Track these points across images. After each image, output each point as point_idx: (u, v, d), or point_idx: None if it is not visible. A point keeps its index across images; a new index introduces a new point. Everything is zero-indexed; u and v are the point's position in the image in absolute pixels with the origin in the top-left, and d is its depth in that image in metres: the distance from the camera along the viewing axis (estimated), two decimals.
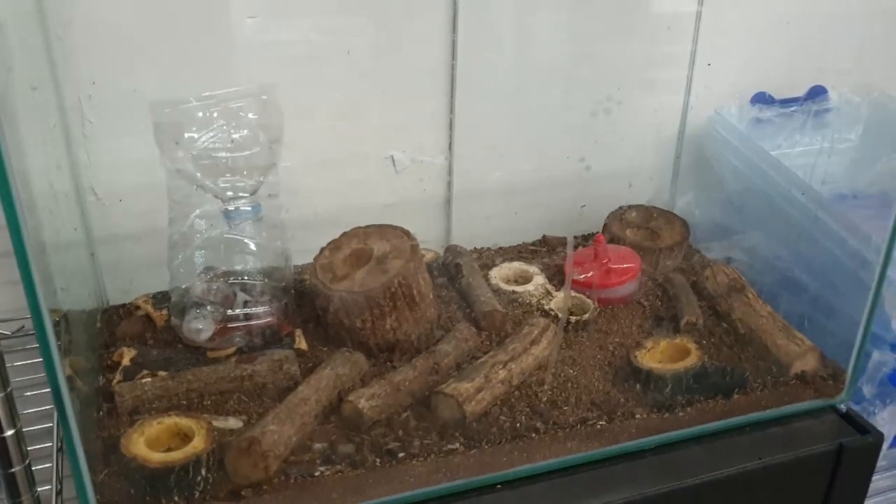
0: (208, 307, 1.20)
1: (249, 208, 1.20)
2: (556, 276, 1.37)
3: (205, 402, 1.12)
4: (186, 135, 1.17)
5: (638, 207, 1.50)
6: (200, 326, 1.19)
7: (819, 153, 1.58)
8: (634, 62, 1.52)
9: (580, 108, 1.54)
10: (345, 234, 1.26)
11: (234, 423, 1.09)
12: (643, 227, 1.45)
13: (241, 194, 1.19)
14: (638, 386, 1.15)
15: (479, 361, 1.14)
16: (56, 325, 1.30)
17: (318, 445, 1.05)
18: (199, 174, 1.18)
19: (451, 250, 1.42)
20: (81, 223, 1.34)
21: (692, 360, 1.15)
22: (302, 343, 1.22)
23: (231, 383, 1.13)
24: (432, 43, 1.42)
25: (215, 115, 1.18)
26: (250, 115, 1.17)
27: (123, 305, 1.35)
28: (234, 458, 1.00)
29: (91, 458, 1.03)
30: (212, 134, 1.18)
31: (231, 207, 1.19)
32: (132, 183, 1.33)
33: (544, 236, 1.52)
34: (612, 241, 1.41)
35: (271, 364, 1.14)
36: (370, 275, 1.17)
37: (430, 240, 1.56)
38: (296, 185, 1.42)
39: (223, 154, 1.18)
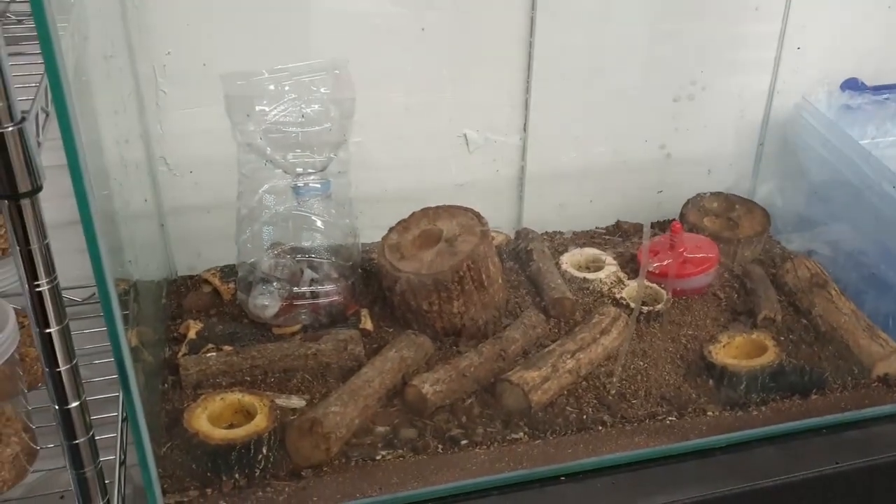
0: (274, 284, 1.19)
1: (318, 185, 1.19)
2: (629, 265, 1.33)
3: (269, 380, 1.12)
4: (258, 108, 1.16)
5: (717, 195, 1.44)
6: (266, 303, 1.18)
7: None
8: (719, 44, 1.46)
9: (661, 91, 1.48)
10: (414, 213, 1.24)
11: (297, 401, 1.08)
12: (722, 216, 1.40)
13: (310, 170, 1.18)
14: (711, 382, 1.11)
15: (546, 350, 1.11)
16: (125, 294, 1.32)
17: (380, 429, 1.04)
18: (268, 148, 1.17)
19: (523, 234, 1.38)
20: (152, 194, 1.34)
21: (769, 358, 1.11)
22: (368, 323, 1.21)
23: (295, 361, 1.12)
24: (510, 20, 1.38)
25: (287, 88, 1.17)
26: (322, 90, 1.16)
27: (191, 277, 1.36)
28: (296, 438, 0.99)
29: (154, 431, 1.03)
30: (283, 107, 1.17)
31: (300, 184, 1.18)
32: (203, 154, 1.33)
33: (618, 222, 1.48)
34: (689, 229, 1.37)
35: (336, 343, 1.12)
36: (438, 256, 1.15)
37: (501, 222, 1.53)
38: (366, 160, 1.41)
39: (293, 129, 1.16)
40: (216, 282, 1.30)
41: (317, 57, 1.27)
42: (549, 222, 1.53)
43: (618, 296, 1.23)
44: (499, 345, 1.12)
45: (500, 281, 1.19)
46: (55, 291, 0.76)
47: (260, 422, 1.02)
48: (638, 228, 1.46)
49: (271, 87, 1.17)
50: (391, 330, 1.20)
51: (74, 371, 0.80)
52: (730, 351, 1.14)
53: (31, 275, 0.72)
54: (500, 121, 1.46)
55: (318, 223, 1.21)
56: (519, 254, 1.35)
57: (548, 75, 1.42)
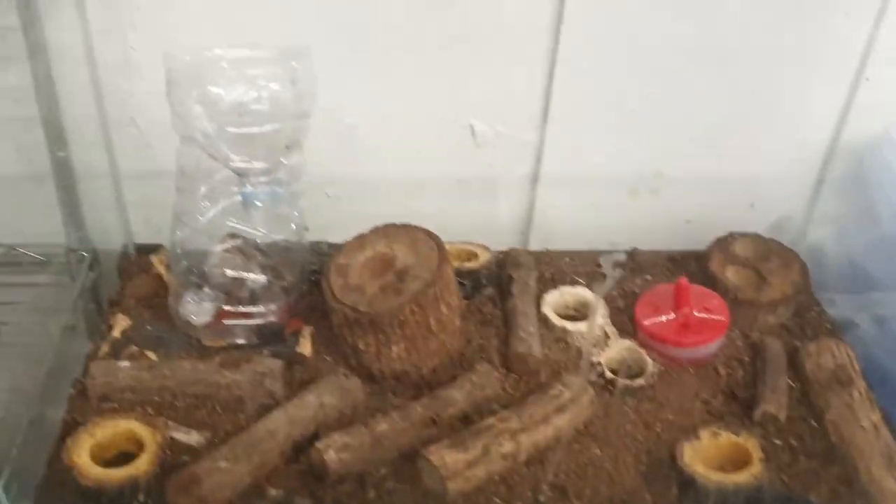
0: (208, 291, 1.06)
1: (267, 194, 1.03)
2: (626, 313, 1.14)
3: (177, 404, 1.01)
4: (208, 90, 1.00)
5: (752, 237, 1.22)
6: (195, 313, 1.06)
7: None
8: (789, 51, 1.20)
9: (709, 98, 1.25)
10: (374, 229, 1.08)
11: (196, 437, 0.97)
12: (751, 266, 1.18)
13: (259, 177, 1.02)
14: (674, 491, 0.93)
15: (483, 424, 0.95)
16: (79, 262, 1.23)
17: (273, 492, 0.91)
18: (217, 142, 1.01)
19: (511, 256, 1.21)
20: (109, 157, 1.22)
21: (750, 474, 0.91)
22: (306, 346, 1.08)
23: (208, 388, 1.00)
24: (536, 3, 1.16)
25: (241, 74, 1.00)
26: (272, 86, 0.99)
27: (149, 251, 1.25)
28: (173, 493, 0.88)
29: (41, 452, 0.95)
30: (235, 96, 1.00)
31: (248, 189, 1.03)
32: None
33: (634, 251, 1.27)
34: (706, 278, 1.16)
35: (253, 376, 1.00)
36: (383, 293, 0.99)
37: (503, 228, 1.36)
38: (361, 141, 1.26)
39: (245, 127, 1.00)
40: (161, 269, 1.18)
41: (305, 28, 1.12)
42: (557, 234, 1.35)
43: (595, 359, 1.05)
44: (434, 406, 0.97)
45: (455, 324, 1.03)
46: None
47: (142, 463, 0.91)
48: (655, 262, 1.26)
49: (225, 69, 1.01)
50: (329, 359, 1.07)
51: None
52: (708, 452, 0.95)
53: None
54: (514, 114, 1.28)
55: (262, 233, 1.06)
56: (501, 280, 1.18)
57: (575, 68, 1.21)
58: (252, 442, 0.92)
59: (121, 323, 1.10)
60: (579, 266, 1.25)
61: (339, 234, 1.27)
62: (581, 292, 1.14)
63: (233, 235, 1.08)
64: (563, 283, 1.20)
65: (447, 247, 1.16)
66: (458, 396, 0.99)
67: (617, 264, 1.15)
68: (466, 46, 1.20)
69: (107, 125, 1.19)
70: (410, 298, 0.97)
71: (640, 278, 1.22)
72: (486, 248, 1.22)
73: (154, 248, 1.28)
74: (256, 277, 1.08)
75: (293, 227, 1.08)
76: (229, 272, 1.07)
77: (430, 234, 1.05)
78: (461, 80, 1.23)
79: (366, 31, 1.17)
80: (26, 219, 1.30)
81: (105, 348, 1.08)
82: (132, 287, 1.18)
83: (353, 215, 1.30)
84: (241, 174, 1.02)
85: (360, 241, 1.07)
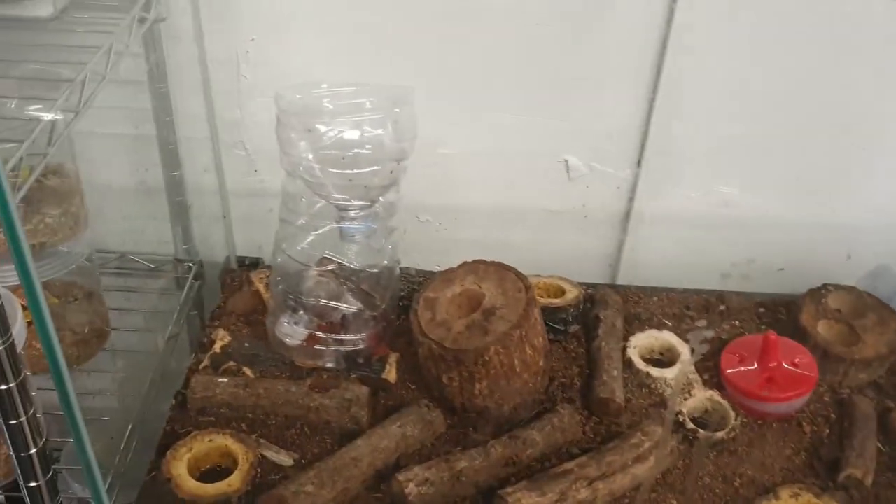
0: (302, 313, 1.11)
1: (363, 229, 1.07)
2: (712, 360, 1.14)
3: (269, 422, 1.06)
4: (315, 127, 1.05)
5: (848, 290, 1.20)
6: (289, 334, 1.11)
7: None
8: (893, 98, 1.17)
9: (811, 143, 1.23)
10: (464, 265, 1.11)
11: (285, 458, 1.01)
12: (844, 321, 1.16)
13: (357, 212, 1.06)
14: None
15: (562, 468, 0.97)
16: (186, 272, 1.29)
17: None
18: (319, 176, 1.06)
19: (599, 295, 1.22)
20: (218, 177, 1.28)
21: None
22: (392, 373, 1.11)
23: (297, 410, 1.05)
24: (637, 37, 1.17)
25: (347, 110, 1.05)
26: (376, 130, 1.02)
27: (249, 267, 1.32)
28: None
29: (143, 461, 1.01)
30: (338, 133, 1.05)
31: (345, 224, 1.07)
32: None
33: (723, 296, 1.26)
34: (796, 330, 1.14)
35: (340, 402, 1.04)
36: (469, 330, 1.02)
37: (593, 264, 1.37)
38: (455, 170, 1.29)
39: (348, 165, 1.04)
40: (260, 287, 1.23)
41: (410, 63, 1.17)
42: (647, 271, 1.35)
43: (678, 408, 1.05)
44: (513, 447, 0.99)
45: (539, 364, 1.05)
46: (9, 350, 0.71)
47: (234, 481, 0.97)
48: (745, 307, 1.25)
49: (331, 109, 1.05)
50: (413, 387, 1.10)
51: (32, 421, 0.76)
52: None
53: None
54: (609, 150, 1.28)
55: (356, 263, 1.10)
56: (587, 319, 1.19)
57: (676, 105, 1.21)
58: (337, 468, 0.96)
59: (221, 338, 1.16)
60: (667, 306, 1.25)
61: (428, 259, 1.33)
62: (667, 337, 1.14)
63: (328, 260, 1.12)
64: (651, 323, 1.20)
65: (536, 280, 1.20)
66: (537, 438, 1.00)
67: (704, 341, 1.14)
68: (565, 83, 1.21)
69: (217, 147, 1.24)
70: (496, 339, 0.99)
71: (728, 323, 1.22)
72: (574, 285, 1.23)
73: (255, 263, 1.35)
74: (349, 304, 1.11)
75: (386, 258, 1.12)
76: (323, 298, 1.11)
77: (518, 275, 1.06)
78: (557, 115, 1.25)
79: (467, 66, 1.19)
80: (139, 228, 1.37)
81: (206, 362, 1.14)
82: (233, 302, 1.24)
83: (443, 241, 1.35)
84: (340, 209, 1.06)
85: (449, 276, 1.09)
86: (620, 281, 1.38)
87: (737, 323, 1.22)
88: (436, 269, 1.31)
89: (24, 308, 1.09)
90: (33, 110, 0.84)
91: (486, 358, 0.99)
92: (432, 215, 1.36)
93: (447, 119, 1.24)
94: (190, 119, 1.25)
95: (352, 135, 1.04)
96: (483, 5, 1.15)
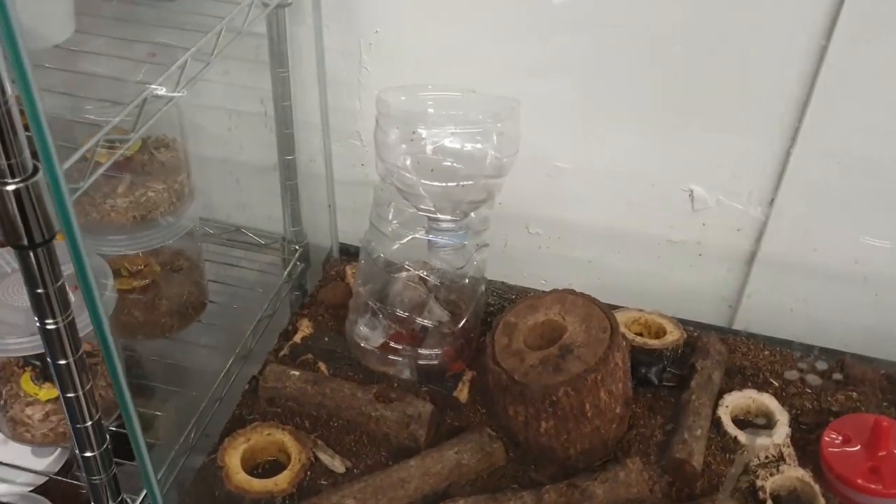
0: (382, 319, 1.09)
1: (452, 241, 1.04)
2: (815, 433, 1.03)
3: (331, 423, 1.05)
4: (417, 131, 1.02)
5: None
6: (367, 337, 1.09)
7: None
8: None
9: None
10: (553, 293, 1.05)
11: (338, 464, 1.00)
12: None
13: (448, 224, 1.03)
14: None
15: None
16: (291, 254, 1.30)
17: None
18: (411, 190, 1.03)
19: (703, 342, 1.12)
20: (329, 167, 1.27)
21: None
22: (464, 392, 1.08)
23: (359, 416, 1.04)
24: (784, 71, 1.07)
25: (442, 130, 1.01)
26: (474, 145, 0.98)
27: (352, 253, 1.31)
28: None
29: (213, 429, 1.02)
30: (439, 141, 1.01)
31: (435, 236, 1.04)
32: None
33: (844, 360, 1.14)
34: None
35: (401, 417, 1.01)
36: (542, 365, 0.96)
37: (707, 303, 1.28)
38: (569, 186, 1.24)
39: (436, 181, 1.01)
40: (352, 281, 1.22)
41: (536, 69, 1.12)
42: (765, 321, 1.25)
43: (761, 482, 0.96)
44: (569, 496, 0.93)
45: (615, 411, 0.98)
46: (69, 327, 0.74)
47: (282, 480, 0.96)
48: (867, 376, 1.12)
49: (433, 115, 1.01)
50: (482, 410, 1.06)
51: (89, 396, 0.78)
52: None
53: (43, 315, 0.71)
54: (740, 185, 1.19)
55: (441, 278, 1.06)
56: (684, 365, 1.10)
57: (821, 142, 1.10)
58: (383, 486, 0.94)
59: (304, 329, 1.16)
60: (778, 363, 1.14)
61: (531, 273, 1.30)
62: (766, 400, 1.04)
63: (413, 269, 1.09)
64: (756, 381, 1.10)
65: (639, 315, 1.12)
66: (598, 491, 0.94)
67: (809, 411, 1.04)
68: (699, 108, 1.13)
69: (328, 136, 1.23)
70: (567, 380, 0.93)
71: (843, 393, 1.09)
72: (677, 325, 1.14)
73: (357, 253, 1.34)
74: (428, 316, 1.08)
75: (473, 273, 1.07)
76: (404, 306, 1.09)
77: (607, 313, 1.00)
78: (687, 142, 1.17)
79: (595, 79, 1.13)
80: (254, 204, 1.40)
81: (285, 350, 1.14)
82: (325, 293, 1.24)
83: (551, 255, 1.30)
84: (430, 220, 1.02)
85: (535, 302, 1.04)
86: (737, 325, 1.28)
87: (854, 395, 1.09)
88: (541, 283, 1.27)
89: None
90: (136, 82, 0.85)
91: (555, 398, 0.94)
92: (542, 228, 1.30)
93: (568, 131, 1.19)
94: (307, 105, 1.24)
95: (451, 145, 1.01)
96: (622, 20, 1.07)
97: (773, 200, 1.18)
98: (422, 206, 1.01)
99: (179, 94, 0.86)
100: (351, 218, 1.32)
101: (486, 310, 1.18)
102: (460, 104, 1.04)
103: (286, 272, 1.34)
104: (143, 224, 1.10)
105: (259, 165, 1.34)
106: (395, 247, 1.08)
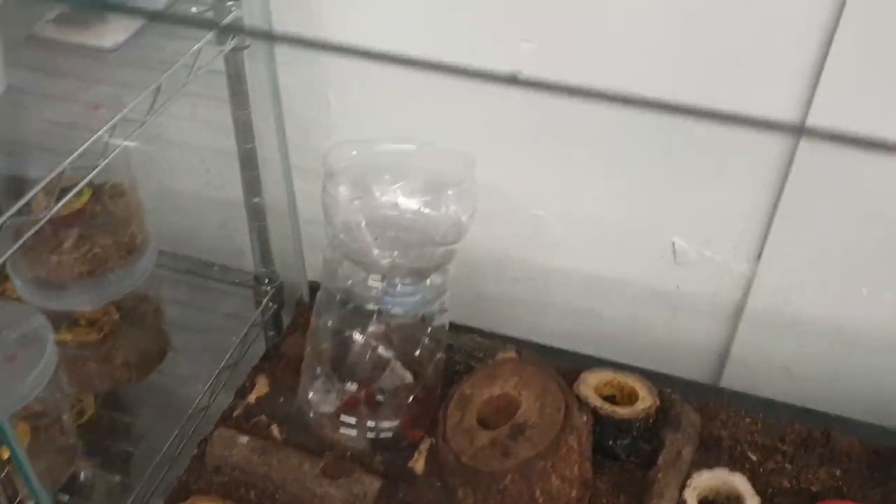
0: (336, 382, 1.04)
1: (407, 307, 0.98)
2: None
3: (276, 496, 1.00)
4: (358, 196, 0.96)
5: None
6: (319, 401, 1.04)
7: None
8: None
9: None
10: (511, 363, 1.00)
11: None
12: None
13: (401, 289, 0.97)
14: None
15: None
16: (262, 295, 1.25)
17: None
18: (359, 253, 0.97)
19: (675, 412, 1.05)
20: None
21: None
22: (420, 462, 1.03)
23: (304, 491, 0.99)
24: (769, 107, 0.98)
25: (403, 193, 0.95)
26: (427, 211, 0.93)
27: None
28: None
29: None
30: (386, 204, 0.96)
31: (387, 301, 0.98)
32: None
33: (829, 432, 1.07)
34: None
35: (347, 495, 0.97)
36: (492, 448, 0.91)
37: (692, 361, 1.21)
38: (548, 232, 1.18)
39: (389, 246, 0.95)
40: None
41: (506, 111, 1.06)
42: (756, 381, 1.18)
43: None
44: None
45: (570, 495, 0.92)
46: None
47: None
48: (853, 451, 1.04)
49: (384, 169, 0.96)
50: (438, 484, 1.00)
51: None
52: None
53: None
54: (725, 239, 1.12)
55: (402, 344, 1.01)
56: (655, 436, 1.03)
57: (804, 203, 1.03)
58: None
59: (261, 387, 1.12)
60: (758, 434, 1.07)
61: (508, 316, 1.25)
62: (737, 483, 0.97)
63: (366, 331, 1.04)
64: (732, 454, 1.04)
65: (612, 376, 1.07)
66: None
67: (785, 491, 0.97)
68: (683, 159, 1.06)
69: (290, 178, 1.18)
70: (516, 466, 0.88)
71: (826, 469, 1.02)
72: (650, 391, 1.07)
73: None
74: (389, 378, 1.03)
75: (431, 338, 1.02)
76: (362, 368, 1.04)
77: (563, 389, 0.94)
78: (670, 191, 1.10)
79: (577, 130, 1.06)
80: (224, 244, 1.35)
81: (239, 410, 1.09)
82: (289, 344, 1.19)
83: (530, 301, 1.24)
84: (382, 285, 0.97)
85: (494, 372, 0.98)
86: (724, 382, 1.21)
87: (837, 472, 1.02)
88: (518, 329, 1.22)
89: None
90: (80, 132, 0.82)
91: (502, 486, 0.88)
92: (521, 273, 1.24)
93: (547, 180, 1.13)
94: (272, 145, 1.19)
95: (403, 206, 0.94)
96: (598, 76, 1.00)
97: (759, 255, 1.10)
98: (373, 274, 0.96)
99: (129, 144, 0.83)
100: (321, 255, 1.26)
101: (452, 368, 1.12)
102: (416, 159, 0.98)
103: (257, 314, 1.29)
104: (92, 279, 1.06)
105: (230, 201, 1.29)
106: (348, 308, 1.02)
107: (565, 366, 1.07)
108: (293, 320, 1.25)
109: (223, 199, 1.30)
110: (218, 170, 1.28)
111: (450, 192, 0.91)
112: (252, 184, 1.21)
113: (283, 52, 1.10)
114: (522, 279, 1.25)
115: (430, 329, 1.01)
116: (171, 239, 1.32)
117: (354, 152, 0.97)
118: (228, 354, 1.21)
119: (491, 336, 1.17)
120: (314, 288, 1.26)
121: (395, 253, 0.93)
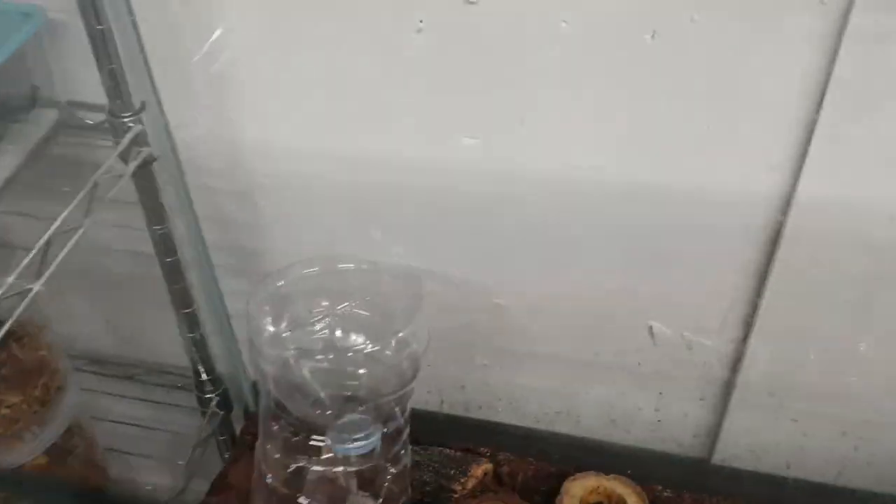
0: None
1: (360, 451, 0.87)
2: None
3: None
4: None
5: None
6: None
7: None
8: None
9: None
10: (488, 498, 0.88)
11: None
12: None
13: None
14: None
15: None
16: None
17: None
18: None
19: None
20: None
21: None
22: None
23: None
24: (750, 184, 0.88)
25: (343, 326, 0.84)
26: (373, 357, 0.81)
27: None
28: None
29: None
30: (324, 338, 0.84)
31: (339, 448, 0.87)
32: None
33: None
34: None
35: None
36: None
37: (681, 431, 1.13)
38: (514, 319, 1.07)
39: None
40: None
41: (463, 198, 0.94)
42: (751, 457, 1.10)
43: None
44: None
45: None
46: None
47: None
48: None
49: (320, 296, 0.84)
50: None
51: None
52: None
53: None
54: (708, 320, 1.01)
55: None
56: None
57: (793, 280, 0.93)
58: None
59: None
60: None
61: (483, 402, 1.17)
62: None
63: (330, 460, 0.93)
64: None
65: (596, 482, 0.99)
66: None
67: None
68: (657, 243, 0.95)
69: (224, 304, 1.07)
70: None
71: None
72: (641, 495, 0.98)
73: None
74: None
75: (388, 483, 0.91)
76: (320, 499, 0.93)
77: None
78: (642, 273, 0.99)
79: (534, 211, 0.96)
80: (166, 352, 1.24)
81: None
82: (237, 471, 1.07)
83: (505, 386, 1.16)
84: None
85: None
86: (716, 459, 1.13)
87: None
88: (496, 412, 1.16)
89: None
90: None
91: None
92: (489, 359, 1.14)
93: (508, 264, 1.02)
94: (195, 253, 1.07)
95: (343, 342, 0.83)
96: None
97: (746, 337, 1.01)
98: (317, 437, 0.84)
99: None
100: None
101: (422, 488, 1.01)
102: (356, 283, 0.86)
103: (203, 423, 1.18)
104: (3, 442, 0.94)
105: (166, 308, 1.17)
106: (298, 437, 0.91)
107: (545, 457, 1.02)
108: (241, 435, 1.14)
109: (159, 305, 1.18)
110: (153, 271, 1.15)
111: (400, 334, 0.79)
112: (180, 296, 1.09)
113: (200, 156, 0.99)
114: (491, 364, 1.15)
115: (389, 475, 0.89)
116: (106, 346, 1.23)
117: (281, 283, 0.84)
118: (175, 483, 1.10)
119: (461, 448, 1.07)
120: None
121: (332, 398, 0.82)
